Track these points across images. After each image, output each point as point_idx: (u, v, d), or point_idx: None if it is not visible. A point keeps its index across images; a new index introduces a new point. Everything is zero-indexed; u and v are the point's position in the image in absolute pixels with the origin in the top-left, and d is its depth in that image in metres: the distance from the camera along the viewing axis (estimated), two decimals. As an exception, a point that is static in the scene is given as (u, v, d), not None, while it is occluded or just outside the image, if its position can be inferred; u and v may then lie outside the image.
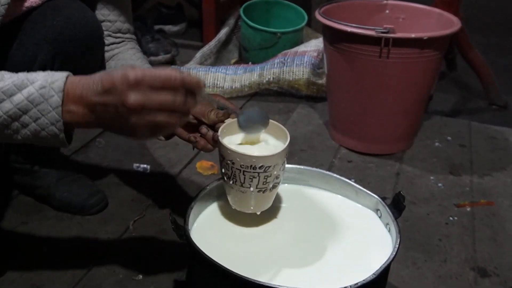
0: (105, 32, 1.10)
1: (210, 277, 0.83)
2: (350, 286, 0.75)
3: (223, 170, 0.87)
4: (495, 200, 1.34)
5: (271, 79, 1.83)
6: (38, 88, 0.73)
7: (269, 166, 0.84)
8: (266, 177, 0.85)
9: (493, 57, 2.20)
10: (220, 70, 1.89)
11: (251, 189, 0.85)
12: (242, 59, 2.17)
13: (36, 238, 1.15)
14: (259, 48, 2.04)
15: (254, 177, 0.84)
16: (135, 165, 1.41)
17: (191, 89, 0.73)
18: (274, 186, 0.88)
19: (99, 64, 1.10)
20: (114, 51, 1.12)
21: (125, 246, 1.14)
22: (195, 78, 0.73)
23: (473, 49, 1.89)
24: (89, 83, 0.73)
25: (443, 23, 1.48)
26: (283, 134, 0.89)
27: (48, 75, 0.75)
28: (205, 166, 1.42)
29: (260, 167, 0.83)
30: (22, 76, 0.75)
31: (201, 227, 0.92)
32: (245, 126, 0.87)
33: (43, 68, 0.98)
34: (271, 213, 0.95)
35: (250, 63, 2.01)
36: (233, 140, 0.90)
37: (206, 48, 2.06)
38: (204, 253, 0.80)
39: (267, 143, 0.91)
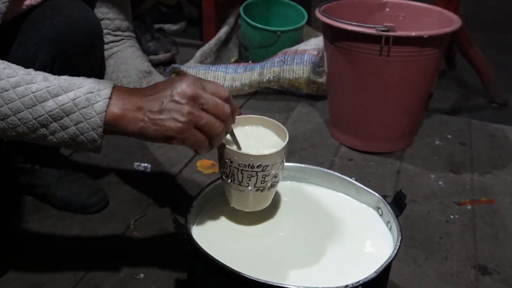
0: (104, 31, 1.10)
1: (212, 275, 0.83)
2: (352, 284, 0.75)
3: (221, 169, 0.87)
4: (496, 198, 1.34)
5: (271, 77, 1.83)
6: (85, 92, 0.74)
7: (267, 165, 0.83)
8: (264, 176, 0.84)
9: (493, 55, 2.20)
10: (220, 69, 1.89)
11: (249, 188, 0.85)
12: (242, 58, 2.17)
13: (37, 237, 1.15)
14: (259, 46, 2.04)
15: (252, 176, 0.84)
16: (136, 164, 1.41)
17: (232, 110, 0.77)
18: (273, 185, 0.88)
19: (99, 63, 1.10)
20: (114, 50, 1.12)
21: (126, 244, 1.14)
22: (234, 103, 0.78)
23: (473, 47, 1.89)
24: (138, 89, 0.77)
25: (443, 21, 1.48)
26: (282, 132, 0.89)
27: (95, 82, 0.76)
28: (205, 164, 1.42)
29: (258, 166, 0.83)
30: (68, 79, 0.76)
31: (202, 226, 0.92)
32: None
33: (43, 68, 0.98)
34: (272, 211, 0.95)
35: (250, 61, 2.01)
36: (238, 138, 0.90)
37: (206, 47, 2.06)
38: (205, 251, 0.80)
39: (266, 141, 0.91)
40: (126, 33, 1.14)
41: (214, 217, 0.95)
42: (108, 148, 1.49)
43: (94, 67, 1.08)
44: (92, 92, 0.74)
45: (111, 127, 0.75)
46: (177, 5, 2.54)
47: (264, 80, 1.83)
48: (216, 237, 0.90)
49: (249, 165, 0.83)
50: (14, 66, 0.75)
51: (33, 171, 1.22)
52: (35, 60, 0.98)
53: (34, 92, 0.73)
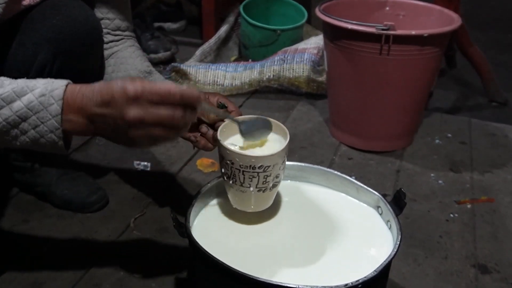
0: (104, 30, 1.10)
1: (212, 274, 0.83)
2: (351, 283, 0.75)
3: (223, 170, 0.87)
4: (496, 196, 1.34)
5: (271, 76, 1.83)
6: (38, 96, 0.74)
7: (269, 166, 0.83)
8: (265, 176, 0.84)
9: (493, 54, 2.20)
10: (220, 67, 1.89)
11: (251, 188, 0.85)
12: (242, 57, 2.17)
13: (37, 236, 1.14)
14: (259, 45, 2.04)
15: (253, 176, 0.84)
16: (136, 163, 1.41)
17: (190, 104, 0.73)
18: (274, 185, 0.88)
19: (99, 63, 1.10)
20: (114, 49, 1.12)
21: (126, 243, 1.13)
22: (194, 92, 0.73)
23: (472, 46, 1.89)
24: (88, 93, 0.73)
25: (444, 20, 1.48)
26: (283, 133, 0.89)
27: (48, 83, 0.75)
28: (205, 163, 1.42)
29: (259, 167, 0.83)
30: (22, 83, 0.75)
31: (202, 225, 0.92)
32: (248, 135, 0.87)
33: (43, 67, 0.98)
34: (272, 210, 0.95)
35: (250, 60, 2.01)
36: (237, 140, 0.90)
37: (206, 46, 2.06)
38: (205, 250, 0.80)
39: (268, 142, 0.91)
40: (126, 33, 1.13)
41: (214, 216, 0.95)
42: (108, 147, 1.49)
43: (94, 67, 1.08)
44: (44, 95, 0.74)
45: (69, 128, 0.75)
46: (177, 3, 2.54)
47: (264, 78, 1.83)
48: (216, 236, 0.90)
49: (250, 166, 0.83)
50: None
51: (32, 169, 1.22)
52: (34, 60, 0.98)
53: None
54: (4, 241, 1.12)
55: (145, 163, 1.41)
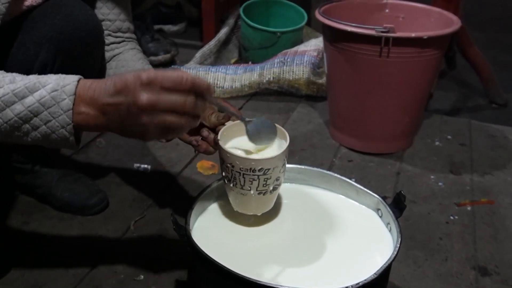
0: (105, 32, 1.10)
1: (212, 276, 0.83)
2: (352, 285, 0.76)
3: (223, 173, 0.87)
4: (496, 198, 1.34)
5: (271, 78, 1.83)
6: (49, 91, 0.74)
7: (269, 169, 0.84)
8: (266, 179, 0.85)
9: (493, 54, 2.20)
10: (220, 69, 1.89)
11: (251, 192, 0.86)
12: (242, 59, 2.17)
13: (37, 238, 1.15)
14: (259, 47, 2.04)
15: (254, 179, 0.84)
16: (136, 165, 1.41)
17: (201, 93, 0.74)
18: (275, 188, 0.88)
19: (99, 64, 1.10)
20: (115, 51, 1.12)
21: (126, 246, 1.14)
22: (205, 81, 0.74)
23: (472, 46, 1.89)
24: (100, 86, 0.74)
25: (443, 22, 1.48)
26: (283, 135, 0.89)
27: (60, 78, 0.76)
28: (205, 166, 1.42)
29: (259, 170, 0.83)
30: (33, 78, 0.76)
31: (202, 227, 0.92)
32: (255, 138, 0.87)
33: (44, 67, 0.98)
34: (271, 212, 0.95)
35: (250, 62, 2.01)
36: (238, 143, 0.90)
37: (206, 48, 2.06)
38: (205, 252, 0.80)
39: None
40: (127, 34, 1.14)
41: (214, 218, 0.95)
42: (108, 149, 1.49)
43: (94, 67, 1.09)
44: (56, 90, 0.74)
45: (80, 123, 0.75)
46: (177, 5, 2.54)
47: (264, 81, 1.83)
48: (215, 238, 0.90)
49: (250, 169, 0.83)
50: None
51: (33, 171, 1.22)
52: (35, 59, 0.98)
53: (1, 97, 0.73)
54: (5, 243, 1.13)
55: (145, 165, 1.41)
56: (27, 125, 0.75)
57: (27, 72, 0.96)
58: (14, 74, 0.76)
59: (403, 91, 1.44)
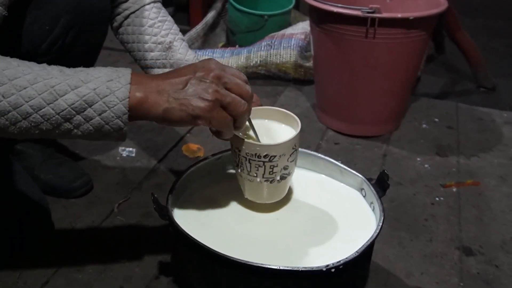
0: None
1: (193, 256, 0.83)
2: (333, 264, 0.75)
3: (233, 158, 0.87)
4: (482, 180, 1.34)
5: (258, 62, 1.82)
6: (104, 81, 0.72)
7: (274, 156, 0.83)
8: (272, 167, 0.84)
9: (483, 40, 2.19)
10: (207, 53, 1.87)
11: (258, 179, 0.85)
12: (230, 43, 2.15)
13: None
14: (247, 31, 2.02)
15: (259, 166, 0.83)
16: (121, 148, 1.40)
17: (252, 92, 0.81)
18: (283, 177, 0.87)
19: (101, 45, 1.12)
20: (125, 13, 1.09)
21: (109, 229, 1.13)
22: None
23: (461, 30, 1.88)
24: (156, 74, 0.78)
25: (431, 4, 1.46)
26: (296, 124, 0.88)
27: (113, 70, 0.74)
28: (191, 148, 1.41)
29: (264, 156, 0.82)
30: (85, 70, 0.74)
31: (185, 207, 0.92)
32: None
33: (57, 40, 0.98)
34: (255, 193, 0.94)
35: (237, 46, 2.00)
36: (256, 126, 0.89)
37: (193, 32, 2.04)
38: (185, 232, 0.80)
39: (278, 132, 0.91)
40: None
41: (197, 199, 0.95)
42: (93, 133, 1.47)
43: (98, 46, 1.10)
44: (112, 80, 0.72)
45: (135, 112, 0.73)
46: (165, -10, 2.51)
47: (251, 64, 1.82)
48: (197, 219, 0.89)
49: (255, 154, 0.82)
50: (26, 62, 0.72)
51: (18, 152, 1.20)
52: (50, 33, 0.97)
53: (53, 87, 0.70)
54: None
55: (130, 149, 1.40)
56: (80, 116, 0.72)
57: (39, 46, 0.96)
58: (60, 66, 0.74)
59: (390, 73, 1.44)
